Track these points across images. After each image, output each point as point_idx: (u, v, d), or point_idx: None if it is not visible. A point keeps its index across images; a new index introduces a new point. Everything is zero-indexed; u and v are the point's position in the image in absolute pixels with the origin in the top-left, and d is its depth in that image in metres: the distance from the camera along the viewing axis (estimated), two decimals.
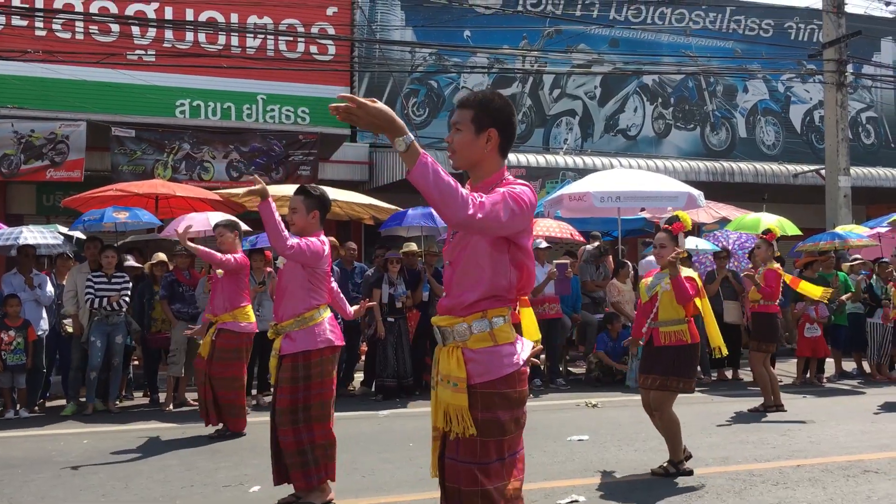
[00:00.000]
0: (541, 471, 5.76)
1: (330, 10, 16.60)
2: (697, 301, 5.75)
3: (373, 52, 17.22)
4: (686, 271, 5.80)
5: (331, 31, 16.42)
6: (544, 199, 12.98)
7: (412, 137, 2.42)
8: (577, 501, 4.97)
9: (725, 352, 6.17)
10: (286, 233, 4.71)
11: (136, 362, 10.30)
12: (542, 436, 7.03)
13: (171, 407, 8.81)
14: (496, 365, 2.68)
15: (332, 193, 9.67)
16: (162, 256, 9.74)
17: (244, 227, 8.15)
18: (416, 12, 17.07)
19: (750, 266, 9.43)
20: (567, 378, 10.77)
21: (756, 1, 19.95)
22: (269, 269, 9.15)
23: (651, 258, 11.77)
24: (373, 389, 9.65)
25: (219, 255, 6.86)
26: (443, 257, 2.91)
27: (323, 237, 4.96)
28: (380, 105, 2.39)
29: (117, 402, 8.97)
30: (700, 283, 5.88)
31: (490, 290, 2.70)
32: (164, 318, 9.30)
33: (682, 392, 5.72)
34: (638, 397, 8.68)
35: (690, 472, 5.59)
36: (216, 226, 7.26)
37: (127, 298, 8.79)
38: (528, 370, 2.82)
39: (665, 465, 5.64)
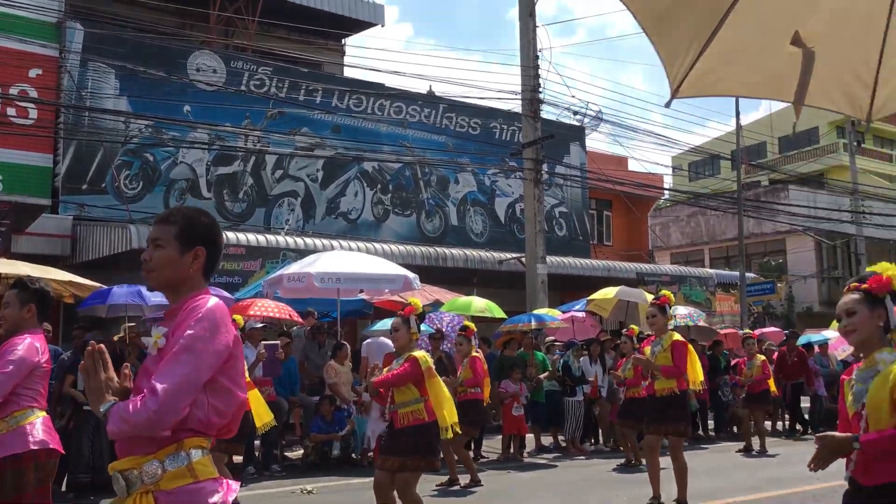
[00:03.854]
0: None
1: (33, 73, 15.30)
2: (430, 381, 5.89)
3: (82, 119, 16.10)
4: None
5: (33, 93, 15.13)
6: (263, 279, 12.76)
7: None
8: None
9: (458, 430, 6.34)
10: None
11: None
12: None
13: None
14: None
15: (27, 269, 8.76)
16: None
17: None
18: (132, 82, 16.31)
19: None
20: (282, 463, 10.46)
21: (465, 101, 21.64)
22: None
23: (375, 340, 11.99)
24: (63, 488, 8.64)
25: None
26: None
27: (33, 337, 4.25)
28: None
29: None
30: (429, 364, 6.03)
31: (185, 421, 2.34)
32: None
33: (426, 470, 5.82)
34: (354, 481, 8.66)
35: None
36: None
37: None
38: None
39: None
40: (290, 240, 16.00)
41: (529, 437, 12.12)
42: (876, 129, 43.61)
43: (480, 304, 13.75)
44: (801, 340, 16.20)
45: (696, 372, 7.48)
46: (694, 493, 7.54)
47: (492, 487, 8.62)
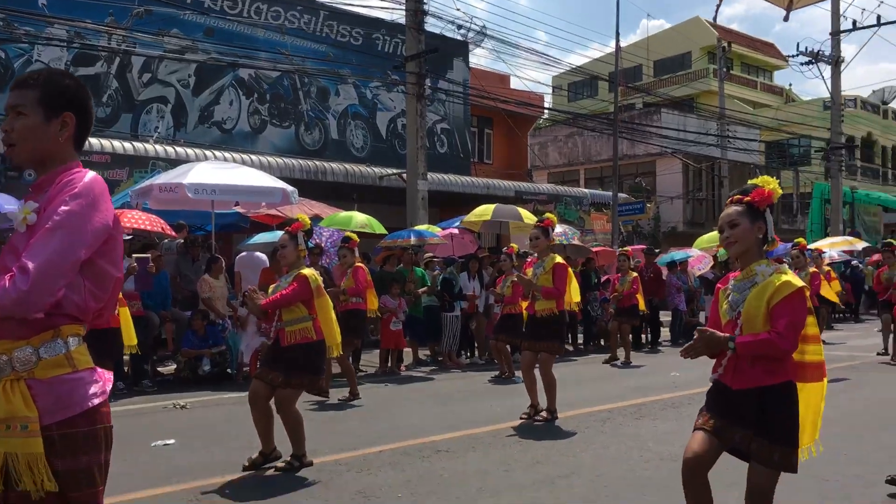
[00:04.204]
0: (121, 483, 5.31)
1: None
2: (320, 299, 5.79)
3: None
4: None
5: None
6: (131, 189, 12.16)
7: None
8: None
9: (339, 352, 6.28)
10: None
11: None
12: (123, 444, 6.48)
13: None
14: (79, 396, 2.17)
15: None
16: None
17: None
18: None
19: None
20: (154, 379, 10.18)
21: (347, 9, 20.92)
22: None
23: (249, 254, 11.69)
24: None
25: None
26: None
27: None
28: None
29: None
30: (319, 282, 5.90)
31: (60, 305, 2.16)
32: None
33: (309, 390, 5.74)
34: (227, 395, 8.55)
35: (311, 464, 5.67)
36: None
37: None
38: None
39: (289, 459, 5.65)
40: (159, 148, 15.25)
41: (407, 351, 12.27)
42: (744, 56, 45.45)
43: (361, 220, 13.63)
44: (665, 258, 17.00)
45: (572, 293, 7.72)
46: (563, 402, 7.87)
47: (370, 401, 8.70)
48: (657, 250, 18.38)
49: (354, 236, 9.36)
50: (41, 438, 2.09)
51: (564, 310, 7.54)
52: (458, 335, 12.51)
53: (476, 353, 13.05)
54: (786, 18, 30.47)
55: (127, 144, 14.91)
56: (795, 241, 11.28)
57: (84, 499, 2.18)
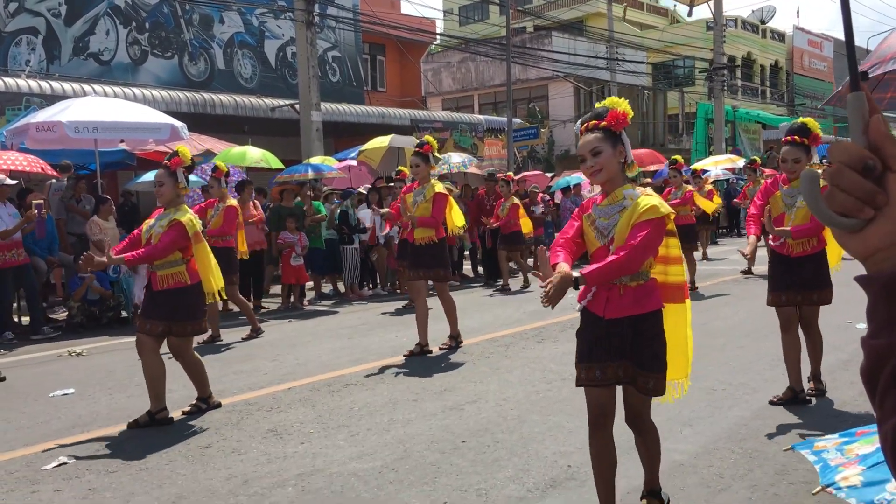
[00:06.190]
0: (21, 436, 5.19)
1: None
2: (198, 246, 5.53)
3: None
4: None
5: None
6: (5, 128, 11.45)
7: None
8: (65, 464, 4.59)
9: (222, 297, 6.16)
10: None
11: None
12: (20, 395, 6.33)
13: None
14: None
15: None
16: None
17: None
18: None
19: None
20: (46, 327, 9.81)
21: None
22: None
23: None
24: None
25: None
26: None
27: None
28: None
29: None
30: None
31: None
32: None
33: (192, 334, 5.55)
34: (125, 340, 8.36)
35: (219, 405, 5.67)
36: None
37: None
38: None
39: (195, 402, 5.63)
40: (32, 83, 14.34)
41: (309, 285, 12.22)
42: None
43: (256, 155, 13.30)
44: (560, 183, 17.36)
45: (454, 219, 7.75)
46: (466, 329, 8.06)
47: (276, 338, 8.68)
48: (551, 174, 18.68)
49: (222, 165, 8.95)
50: None
51: (445, 237, 7.57)
52: (359, 267, 12.53)
53: (378, 284, 13.12)
54: (689, 14, 30.76)
55: None
56: (672, 158, 11.62)
57: None
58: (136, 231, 5.74)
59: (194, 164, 5.87)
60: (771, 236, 5.30)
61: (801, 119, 5.27)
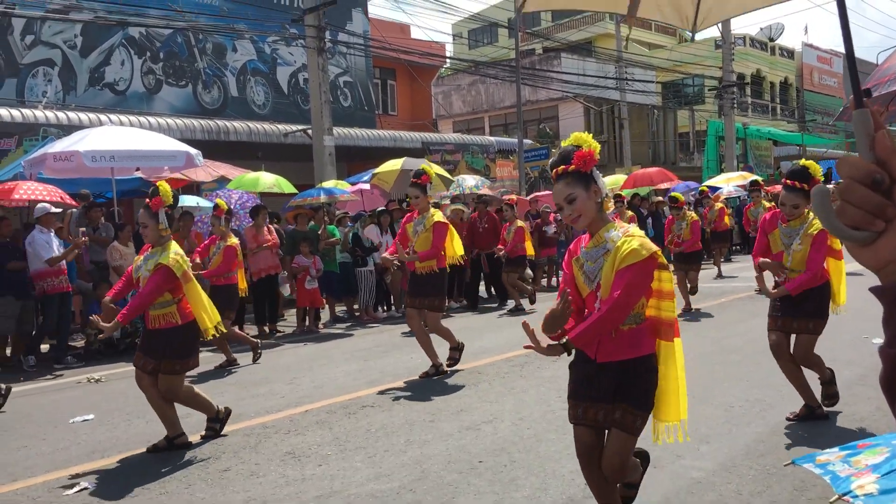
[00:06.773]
0: (42, 462, 5.24)
1: None
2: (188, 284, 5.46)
3: None
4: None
5: None
6: (23, 158, 11.62)
7: None
8: (86, 489, 4.63)
9: (218, 331, 6.07)
10: None
11: None
12: (41, 422, 6.39)
13: None
14: None
15: None
16: None
17: None
18: None
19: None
20: (70, 356, 9.89)
21: None
22: None
23: None
24: None
25: None
26: None
27: None
28: None
29: None
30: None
31: None
32: None
33: (183, 372, 5.49)
34: None
35: (229, 414, 5.69)
36: None
37: None
38: None
39: (207, 426, 5.65)
40: (49, 114, 14.55)
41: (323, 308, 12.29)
42: None
43: (269, 180, 13.42)
44: None
45: (455, 248, 7.73)
46: (480, 350, 8.07)
47: (291, 360, 8.72)
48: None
49: (223, 203, 9.03)
50: None
51: (445, 266, 7.56)
52: (374, 289, 12.59)
53: (392, 306, 13.16)
54: (692, 39, 30.95)
55: (14, 111, 14.17)
56: (671, 196, 11.57)
57: None
58: (129, 268, 5.68)
59: (177, 200, 5.66)
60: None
61: (801, 161, 5.16)
